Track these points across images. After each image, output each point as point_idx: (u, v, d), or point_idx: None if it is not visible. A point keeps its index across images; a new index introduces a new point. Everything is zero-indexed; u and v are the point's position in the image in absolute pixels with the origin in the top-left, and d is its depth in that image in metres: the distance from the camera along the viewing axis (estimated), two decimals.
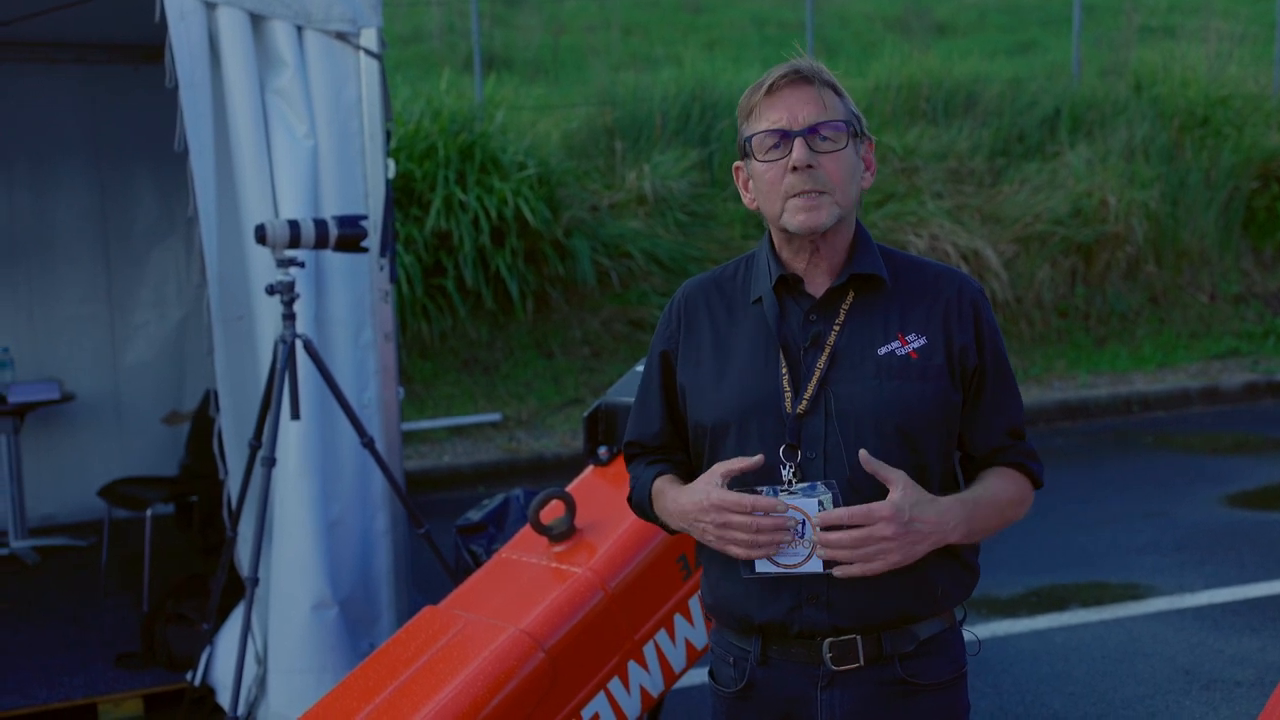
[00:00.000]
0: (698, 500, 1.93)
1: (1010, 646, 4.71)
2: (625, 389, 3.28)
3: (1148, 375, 9.35)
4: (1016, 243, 9.76)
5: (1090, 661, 4.56)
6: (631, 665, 2.95)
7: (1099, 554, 5.78)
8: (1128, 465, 7.51)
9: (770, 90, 1.96)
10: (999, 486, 2.02)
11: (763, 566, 1.90)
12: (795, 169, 1.93)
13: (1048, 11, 13.96)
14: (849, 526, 1.85)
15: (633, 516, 3.02)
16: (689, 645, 3.06)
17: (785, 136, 1.94)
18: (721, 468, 1.93)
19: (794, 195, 1.94)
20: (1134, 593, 5.25)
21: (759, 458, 1.92)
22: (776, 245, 2.05)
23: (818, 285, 2.02)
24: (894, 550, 1.85)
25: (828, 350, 1.97)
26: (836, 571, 1.86)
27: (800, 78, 1.96)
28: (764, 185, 1.98)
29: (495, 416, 8.37)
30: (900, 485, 1.87)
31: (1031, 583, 5.40)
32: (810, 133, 1.93)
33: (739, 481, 1.93)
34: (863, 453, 1.87)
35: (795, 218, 1.95)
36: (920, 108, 10.43)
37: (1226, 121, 10.54)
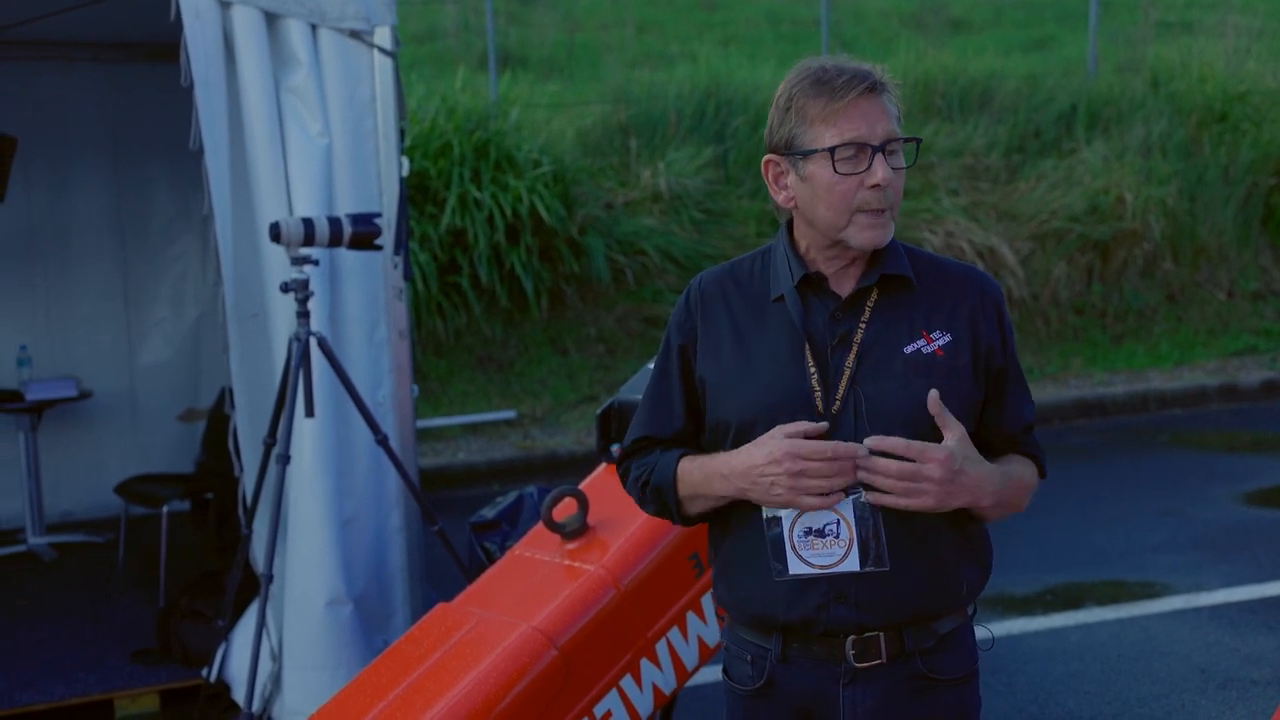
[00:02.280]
0: (768, 453, 1.90)
1: (1025, 645, 4.70)
2: (638, 386, 3.27)
3: (1165, 373, 9.31)
4: (1032, 240, 9.73)
5: (1105, 660, 4.55)
6: (644, 663, 2.95)
7: (1115, 552, 5.76)
8: (1144, 463, 7.48)
9: (851, 99, 1.91)
10: (1022, 470, 2.06)
11: (797, 568, 1.91)
12: (876, 186, 1.92)
13: (1064, 7, 13.90)
14: (900, 460, 1.87)
15: (645, 514, 3.03)
16: (702, 643, 3.06)
17: (865, 150, 1.91)
18: (788, 428, 1.91)
19: (864, 211, 1.93)
20: (1150, 591, 5.23)
21: (824, 425, 1.92)
22: (802, 246, 2.03)
23: (844, 285, 2.01)
24: (933, 494, 1.87)
25: (855, 349, 1.97)
26: (868, 497, 1.87)
27: (876, 88, 1.93)
28: (832, 196, 1.93)
29: (510, 414, 8.37)
30: (957, 435, 1.90)
31: (1047, 581, 5.38)
32: (887, 148, 1.92)
33: None
34: (932, 394, 1.89)
35: (862, 235, 1.94)
36: (935, 104, 10.40)
37: (1245, 117, 10.47)
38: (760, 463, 1.91)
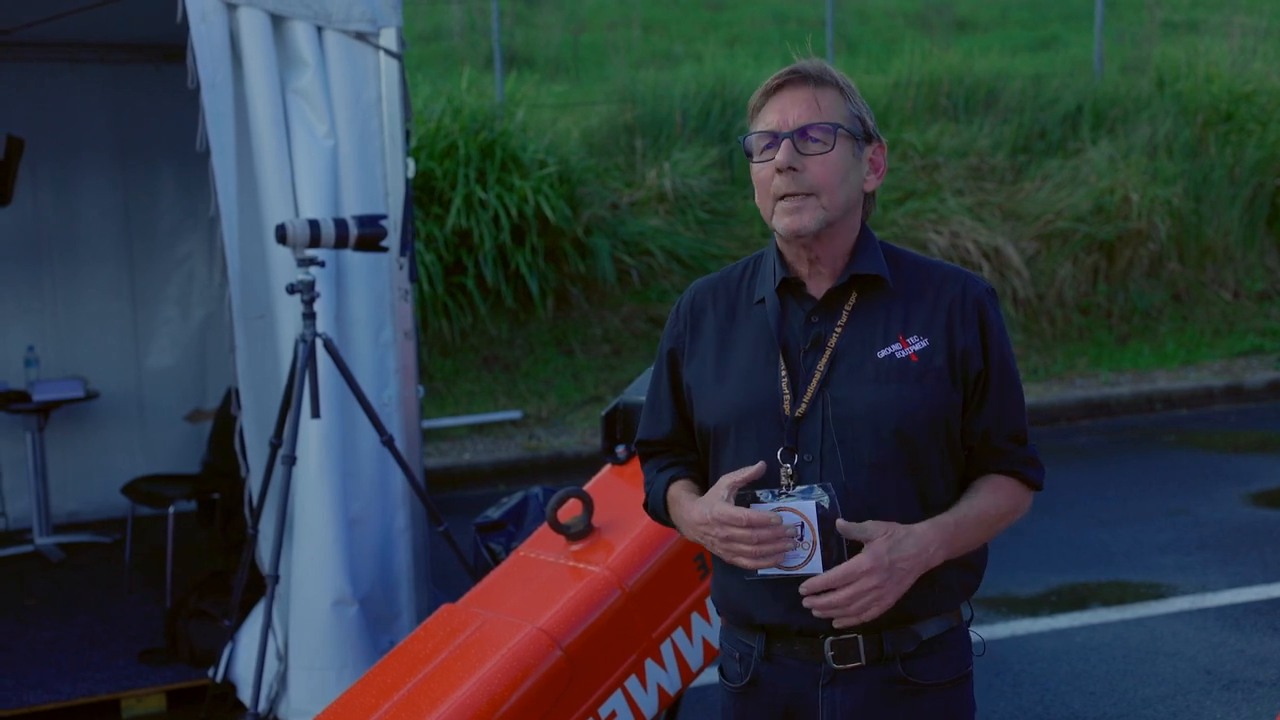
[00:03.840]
0: (704, 514, 1.96)
1: (1030, 645, 4.70)
2: (643, 388, 3.27)
3: (1170, 373, 9.30)
4: (1038, 240, 9.72)
5: (1111, 661, 4.55)
6: (649, 664, 2.96)
7: (1120, 552, 5.76)
8: (1150, 463, 7.47)
9: (769, 91, 1.98)
10: (988, 502, 2.00)
11: (765, 569, 1.93)
12: (779, 170, 1.95)
13: (1069, 7, 13.89)
14: (840, 588, 1.87)
15: None
16: (706, 644, 3.06)
17: (775, 138, 1.96)
18: (727, 480, 1.95)
19: (781, 197, 1.96)
20: (1155, 592, 5.23)
21: (760, 465, 1.94)
22: (780, 247, 2.06)
23: (819, 287, 2.02)
24: (885, 595, 1.88)
25: (828, 352, 1.98)
26: (836, 624, 1.90)
27: (799, 78, 1.98)
28: (757, 185, 2.01)
29: (515, 414, 8.39)
30: (870, 534, 1.88)
31: (1052, 581, 5.38)
32: (799, 135, 1.94)
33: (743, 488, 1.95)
34: (839, 521, 1.88)
35: (781, 220, 1.97)
36: (941, 104, 10.39)
37: (1250, 117, 10.46)
38: (699, 523, 1.97)
